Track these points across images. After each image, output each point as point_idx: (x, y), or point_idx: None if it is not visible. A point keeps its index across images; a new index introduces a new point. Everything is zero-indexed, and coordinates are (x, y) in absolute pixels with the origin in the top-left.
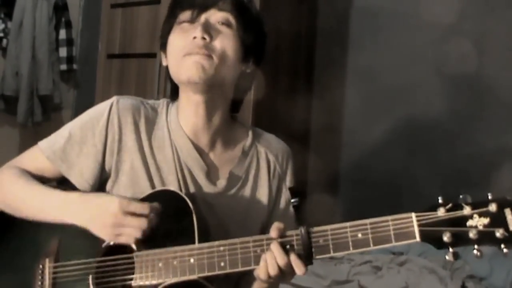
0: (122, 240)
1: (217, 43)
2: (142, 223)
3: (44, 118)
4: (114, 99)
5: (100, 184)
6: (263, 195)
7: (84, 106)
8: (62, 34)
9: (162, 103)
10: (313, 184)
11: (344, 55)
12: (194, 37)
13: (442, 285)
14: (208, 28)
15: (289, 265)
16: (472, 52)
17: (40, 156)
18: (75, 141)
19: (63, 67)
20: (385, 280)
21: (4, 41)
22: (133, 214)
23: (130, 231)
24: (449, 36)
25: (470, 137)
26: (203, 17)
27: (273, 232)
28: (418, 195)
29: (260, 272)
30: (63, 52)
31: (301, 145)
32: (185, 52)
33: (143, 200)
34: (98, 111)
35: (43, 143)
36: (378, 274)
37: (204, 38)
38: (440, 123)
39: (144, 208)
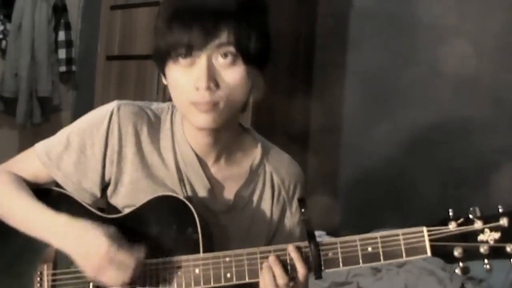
0: (102, 282)
1: (224, 89)
2: (124, 276)
3: (43, 119)
4: (114, 105)
5: (100, 190)
6: (264, 220)
7: (83, 107)
8: (61, 35)
9: (167, 108)
10: (312, 185)
11: (343, 57)
12: (197, 88)
13: (441, 286)
14: (211, 73)
15: (287, 283)
16: (471, 53)
17: (36, 161)
18: (73, 149)
19: (62, 68)
20: (384, 281)
21: (3, 42)
22: (119, 264)
23: (110, 280)
24: (448, 38)
25: (468, 138)
26: (203, 57)
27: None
28: (417, 196)
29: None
30: (62, 53)
31: (300, 146)
32: (190, 101)
33: (146, 204)
34: (98, 118)
35: (40, 148)
36: (377, 276)
37: (209, 88)
38: (438, 124)
39: (130, 260)
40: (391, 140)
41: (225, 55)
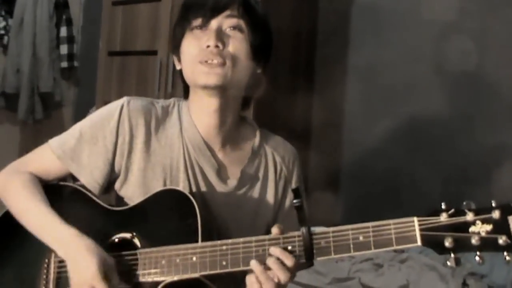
0: None
1: (230, 49)
2: None
3: (44, 115)
4: (124, 99)
5: (109, 184)
6: (270, 195)
7: (84, 103)
8: (63, 31)
9: (173, 102)
10: (314, 182)
11: (345, 53)
12: (208, 46)
13: (443, 282)
14: (220, 36)
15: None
16: (473, 49)
17: (50, 154)
18: (85, 141)
19: (64, 64)
20: (386, 277)
21: (5, 38)
22: None
23: None
24: (450, 34)
25: (470, 134)
26: (214, 23)
27: (275, 229)
28: (418, 193)
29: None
30: (64, 49)
31: (302, 142)
32: (199, 59)
33: (150, 198)
34: (109, 112)
35: (54, 142)
36: (379, 272)
37: (217, 46)
38: (440, 120)
39: None
40: (393, 136)
41: (233, 28)
